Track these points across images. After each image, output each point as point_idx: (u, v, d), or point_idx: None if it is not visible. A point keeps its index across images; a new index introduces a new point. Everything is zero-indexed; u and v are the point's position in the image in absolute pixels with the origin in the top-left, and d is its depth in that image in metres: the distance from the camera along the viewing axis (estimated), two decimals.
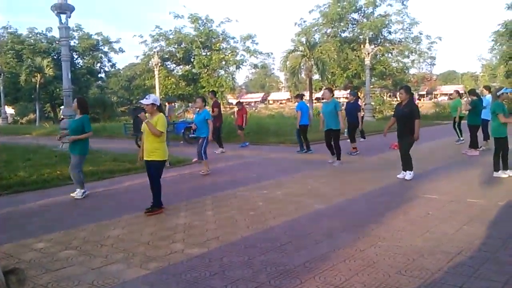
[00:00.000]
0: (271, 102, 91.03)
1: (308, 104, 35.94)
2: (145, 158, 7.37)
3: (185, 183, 10.16)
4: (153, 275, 4.58)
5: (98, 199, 8.65)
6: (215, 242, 5.57)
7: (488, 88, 15.40)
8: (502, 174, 9.42)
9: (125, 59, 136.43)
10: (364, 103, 27.10)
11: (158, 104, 7.38)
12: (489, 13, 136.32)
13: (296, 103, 15.81)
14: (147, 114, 7.26)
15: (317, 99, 69.28)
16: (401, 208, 7.07)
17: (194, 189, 9.31)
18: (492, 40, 38.30)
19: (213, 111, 15.15)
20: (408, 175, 9.46)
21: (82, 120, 8.63)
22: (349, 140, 14.39)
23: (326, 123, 12.04)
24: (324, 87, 14.17)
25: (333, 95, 12.52)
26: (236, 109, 18.75)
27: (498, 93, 9.68)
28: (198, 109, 11.42)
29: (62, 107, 24.19)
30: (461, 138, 15.80)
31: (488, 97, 14.13)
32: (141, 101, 7.48)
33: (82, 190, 8.69)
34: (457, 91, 17.85)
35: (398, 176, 9.60)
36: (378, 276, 4.33)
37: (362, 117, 17.67)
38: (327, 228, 6.07)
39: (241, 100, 22.74)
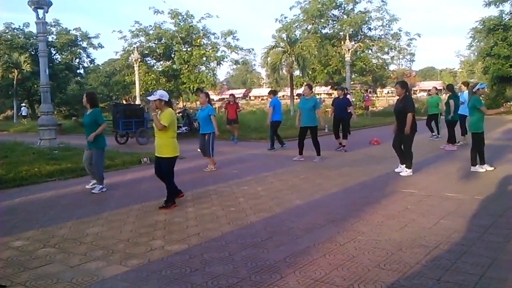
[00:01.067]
0: (252, 98, 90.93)
1: (289, 100, 35.95)
2: (156, 154, 7.38)
3: None
4: (133, 272, 4.56)
5: (76, 196, 8.54)
6: (195, 239, 5.56)
7: (466, 84, 15.64)
8: (479, 168, 9.59)
9: (104, 55, 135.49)
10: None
11: (167, 100, 7.28)
12: (467, 10, 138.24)
13: (270, 99, 15.73)
14: (157, 110, 7.19)
15: (298, 95, 69.60)
16: (380, 202, 7.16)
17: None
18: (470, 37, 38.82)
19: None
20: (404, 171, 9.53)
21: (94, 113, 8.67)
22: (335, 135, 14.22)
23: (303, 120, 11.88)
24: (305, 83, 13.93)
25: (313, 91, 12.42)
26: (227, 102, 18.31)
27: (474, 89, 9.85)
28: (201, 105, 11.35)
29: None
30: (437, 134, 15.97)
31: (465, 93, 14.36)
32: (148, 97, 7.50)
33: (100, 186, 8.71)
34: (436, 88, 18.11)
35: (396, 169, 9.77)
36: (358, 270, 4.38)
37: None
38: (307, 223, 6.11)
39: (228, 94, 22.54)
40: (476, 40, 38.93)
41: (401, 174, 9.47)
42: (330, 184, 8.85)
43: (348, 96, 16.03)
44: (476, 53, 44.28)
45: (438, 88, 20.02)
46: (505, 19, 34.07)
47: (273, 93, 16.02)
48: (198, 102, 14.00)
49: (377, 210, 6.68)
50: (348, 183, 8.90)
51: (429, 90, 32.20)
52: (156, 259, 4.87)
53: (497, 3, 34.14)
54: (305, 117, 11.83)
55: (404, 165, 9.62)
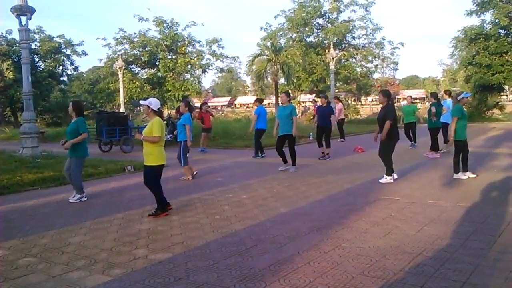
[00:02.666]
0: (237, 106, 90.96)
1: (274, 108, 35.96)
2: (144, 163, 7.32)
3: None
4: (115, 281, 4.50)
5: (59, 205, 8.43)
6: (179, 247, 5.52)
7: (448, 92, 15.84)
8: (461, 176, 9.69)
9: (88, 62, 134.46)
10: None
11: (155, 109, 7.22)
12: (449, 20, 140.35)
13: (255, 107, 15.70)
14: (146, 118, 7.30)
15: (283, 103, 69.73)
16: (364, 210, 7.19)
17: None
18: (452, 46, 39.44)
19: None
20: (384, 179, 9.57)
21: (76, 122, 8.59)
22: (318, 143, 14.06)
23: (282, 128, 11.57)
24: (281, 91, 13.78)
25: (290, 99, 12.21)
26: (202, 111, 17.81)
27: (458, 98, 9.98)
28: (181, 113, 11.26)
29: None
30: (413, 143, 16.12)
31: (448, 101, 14.54)
32: (141, 101, 7.59)
33: (79, 195, 8.58)
34: (411, 96, 18.39)
35: (380, 181, 9.60)
36: (342, 278, 4.38)
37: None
38: (292, 231, 6.10)
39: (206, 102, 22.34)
40: (458, 49, 39.57)
41: (380, 181, 9.53)
42: (315, 191, 8.86)
43: (331, 105, 16.10)
44: (458, 62, 44.97)
45: (414, 96, 20.32)
46: (486, 28, 34.69)
47: (259, 101, 16.07)
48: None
49: (361, 217, 6.70)
50: (333, 190, 8.93)
51: (405, 99, 32.57)
52: (139, 268, 4.82)
53: (479, 13, 34.77)
54: (284, 125, 11.51)
55: (385, 175, 9.64)
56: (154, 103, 7.27)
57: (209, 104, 28.37)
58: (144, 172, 7.34)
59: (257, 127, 14.40)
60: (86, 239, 6.03)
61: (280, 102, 12.11)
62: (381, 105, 10.04)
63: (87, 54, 51.54)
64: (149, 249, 5.48)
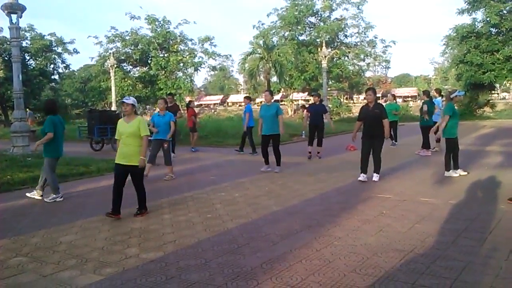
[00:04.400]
0: (230, 104, 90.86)
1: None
2: (122, 163, 7.01)
3: None
4: (107, 281, 4.48)
5: (50, 204, 8.38)
6: (171, 246, 5.50)
7: (439, 91, 15.91)
8: (453, 173, 9.75)
9: (79, 61, 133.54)
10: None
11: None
12: (441, 18, 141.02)
13: (245, 105, 15.57)
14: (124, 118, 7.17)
15: (276, 101, 69.81)
16: (356, 208, 7.21)
17: (150, 192, 9.08)
18: (444, 44, 39.56)
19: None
20: (376, 177, 9.53)
21: (45, 121, 8.47)
22: (309, 141, 13.83)
23: (267, 128, 11.12)
24: (264, 90, 13.45)
25: (273, 98, 11.92)
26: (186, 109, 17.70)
27: (451, 96, 10.01)
28: (160, 112, 10.91)
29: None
30: (395, 142, 16.18)
31: (438, 99, 14.62)
32: (124, 99, 7.25)
33: (54, 195, 8.47)
34: (393, 95, 18.44)
35: (359, 179, 9.50)
36: (334, 276, 4.39)
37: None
38: (284, 229, 6.11)
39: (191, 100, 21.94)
40: (450, 48, 39.72)
41: (374, 180, 9.47)
42: (307, 189, 8.87)
43: (323, 103, 16.08)
44: (449, 60, 45.17)
45: (406, 95, 20.42)
46: (477, 27, 34.86)
47: (248, 99, 16.02)
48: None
49: (353, 215, 6.72)
50: (325, 188, 8.95)
51: (385, 97, 32.58)
52: (131, 267, 4.80)
53: (470, 11, 34.94)
54: (269, 124, 11.10)
55: (376, 173, 9.59)
56: (135, 102, 7.28)
57: (201, 102, 28.15)
58: (123, 173, 7.06)
59: (249, 124, 14.38)
60: (77, 238, 6.00)
61: (264, 100, 11.75)
62: (369, 103, 9.72)
63: (79, 52, 51.24)
64: (141, 248, 5.45)
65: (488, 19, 33.18)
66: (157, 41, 37.62)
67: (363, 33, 41.95)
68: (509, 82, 38.13)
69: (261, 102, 68.96)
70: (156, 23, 37.82)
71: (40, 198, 8.57)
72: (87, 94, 57.05)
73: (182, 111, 15.72)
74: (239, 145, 15.64)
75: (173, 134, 11.14)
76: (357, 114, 10.65)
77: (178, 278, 4.46)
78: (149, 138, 10.17)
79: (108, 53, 36.98)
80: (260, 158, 13.06)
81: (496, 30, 34.53)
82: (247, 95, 17.14)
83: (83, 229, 6.47)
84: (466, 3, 34.71)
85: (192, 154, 15.69)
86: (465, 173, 9.83)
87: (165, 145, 10.68)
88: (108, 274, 4.64)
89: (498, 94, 67.87)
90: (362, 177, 9.49)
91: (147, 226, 6.50)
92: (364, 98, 9.81)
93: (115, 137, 7.22)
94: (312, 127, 13.64)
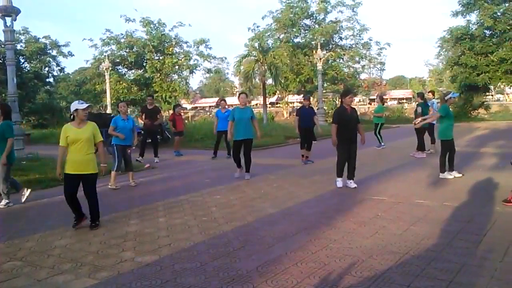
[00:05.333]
0: (226, 107, 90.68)
1: (262, 109, 35.96)
2: (78, 172, 6.53)
3: (137, 189, 9.96)
4: (101, 285, 4.46)
5: (45, 207, 8.36)
6: (166, 249, 5.49)
7: (433, 92, 15.97)
8: (448, 175, 9.77)
9: (74, 63, 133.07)
10: (317, 108, 27.57)
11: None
12: (435, 20, 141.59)
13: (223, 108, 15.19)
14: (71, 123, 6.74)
15: (271, 103, 69.84)
16: (352, 210, 7.21)
17: (146, 195, 9.15)
18: (438, 46, 39.71)
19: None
20: (353, 183, 9.13)
21: (1, 126, 8.20)
22: (301, 145, 13.64)
23: (241, 132, 10.50)
24: (238, 91, 12.93)
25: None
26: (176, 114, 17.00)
27: (446, 97, 10.04)
28: (123, 115, 10.35)
29: None
30: (382, 144, 16.21)
31: (434, 100, 14.67)
32: (81, 104, 6.74)
33: (6, 201, 8.36)
34: (381, 97, 18.48)
35: (339, 185, 9.14)
36: (329, 278, 4.39)
37: None
38: (280, 231, 6.10)
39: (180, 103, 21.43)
40: (444, 50, 39.89)
41: (352, 186, 9.04)
42: (302, 192, 8.87)
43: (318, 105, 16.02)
44: (444, 62, 45.33)
45: (401, 97, 20.45)
46: (471, 29, 35.03)
47: (225, 101, 15.94)
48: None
49: (348, 218, 6.72)
50: (320, 190, 8.95)
51: (372, 100, 32.44)
52: (126, 271, 4.78)
53: (464, 13, 35.10)
54: (244, 128, 10.51)
55: (353, 179, 9.18)
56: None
57: (196, 105, 28.06)
58: (75, 183, 6.61)
59: (223, 128, 13.83)
60: (72, 242, 5.97)
61: (239, 103, 10.97)
62: (348, 106, 9.23)
63: (73, 55, 51.07)
64: (136, 252, 5.44)
65: (482, 21, 33.35)
66: (152, 43, 37.54)
67: (358, 35, 42.01)
68: (503, 84, 38.23)
69: (256, 104, 68.96)
70: (151, 25, 37.74)
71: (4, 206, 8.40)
72: (82, 97, 56.72)
73: (162, 114, 15.36)
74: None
75: (155, 137, 10.80)
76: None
77: (174, 281, 4.45)
78: (114, 144, 9.99)
79: (103, 56, 36.86)
80: (255, 161, 12.99)
81: (490, 32, 34.70)
82: (222, 97, 16.63)
83: (77, 233, 6.44)
84: (460, 5, 34.88)
85: (186, 157, 15.66)
86: (460, 175, 9.85)
87: (129, 151, 10.35)
88: (103, 278, 4.62)
89: (492, 96, 68.18)
90: (340, 182, 9.16)
91: (142, 229, 6.48)
92: (344, 101, 9.27)
93: (60, 144, 6.60)
94: (303, 130, 13.36)
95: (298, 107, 13.81)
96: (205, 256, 5.16)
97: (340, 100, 10.24)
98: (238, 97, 11.30)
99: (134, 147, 10.75)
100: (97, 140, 6.79)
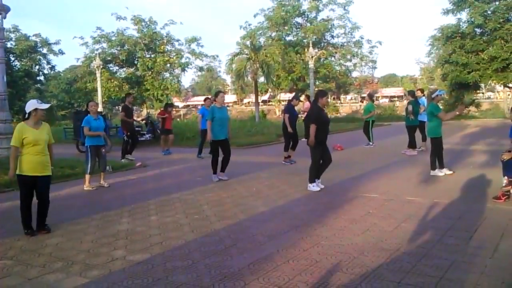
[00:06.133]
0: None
1: (254, 107, 35.89)
2: (37, 174, 6.31)
3: (129, 188, 9.93)
4: (93, 283, 4.45)
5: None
6: (158, 248, 5.48)
7: (422, 90, 16.03)
8: (438, 172, 9.83)
9: (65, 62, 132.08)
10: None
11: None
12: (427, 19, 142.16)
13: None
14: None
15: (264, 101, 69.86)
16: (343, 207, 7.24)
17: (138, 194, 9.12)
18: (429, 44, 39.74)
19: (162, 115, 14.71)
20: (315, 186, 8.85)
21: None
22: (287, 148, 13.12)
23: (223, 132, 10.19)
24: (216, 90, 12.39)
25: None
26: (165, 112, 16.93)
27: (432, 96, 10.12)
28: (94, 114, 9.96)
29: None
30: (371, 143, 16.19)
31: (423, 98, 14.74)
32: (39, 105, 6.41)
33: None
34: (371, 95, 18.53)
35: (318, 188, 8.77)
36: (321, 275, 4.41)
37: None
38: (272, 229, 6.11)
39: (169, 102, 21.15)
40: (435, 48, 39.96)
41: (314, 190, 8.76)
42: (294, 190, 8.89)
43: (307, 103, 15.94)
44: (435, 60, 45.46)
45: (392, 95, 20.47)
46: (462, 27, 35.14)
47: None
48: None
49: (340, 215, 6.75)
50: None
51: (363, 98, 32.37)
52: (117, 270, 4.77)
53: (455, 12, 35.21)
54: (222, 129, 10.19)
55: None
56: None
57: (188, 103, 27.97)
58: (34, 186, 6.39)
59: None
60: (63, 241, 5.95)
61: (218, 102, 10.56)
62: (324, 107, 9.11)
63: (64, 53, 50.73)
64: (128, 250, 5.42)
65: (472, 19, 33.47)
66: (143, 41, 37.39)
67: (349, 33, 42.12)
68: (493, 81, 38.41)
69: (248, 103, 68.92)
70: (143, 23, 37.57)
71: None
72: (73, 95, 56.59)
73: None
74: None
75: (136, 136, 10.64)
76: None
77: (165, 279, 4.44)
78: (88, 146, 9.64)
79: (94, 54, 36.59)
80: (247, 159, 13.04)
81: (481, 30, 34.83)
82: (207, 96, 16.36)
83: (68, 231, 6.41)
84: (451, 3, 34.99)
85: (178, 155, 15.61)
86: (451, 172, 9.92)
87: (103, 150, 10.11)
88: (94, 276, 4.61)
89: (483, 93, 68.58)
90: (317, 186, 8.80)
91: (133, 227, 6.46)
92: (320, 101, 8.75)
93: (15, 145, 6.26)
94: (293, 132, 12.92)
95: (289, 105, 13.47)
96: (196, 254, 5.16)
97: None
98: (217, 95, 10.70)
99: (108, 152, 10.42)
100: (51, 142, 6.61)
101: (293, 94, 17.83)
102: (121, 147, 14.33)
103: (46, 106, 6.58)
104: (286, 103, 13.40)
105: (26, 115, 6.40)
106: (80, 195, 9.20)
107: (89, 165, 9.73)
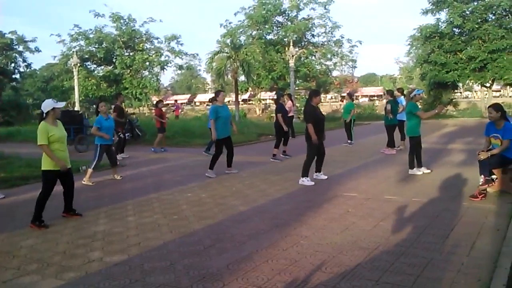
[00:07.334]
0: (197, 103, 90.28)
1: (234, 106, 35.92)
2: (68, 167, 6.90)
3: (106, 188, 9.79)
4: (68, 285, 4.37)
5: (10, 207, 8.14)
6: (135, 249, 5.41)
7: (401, 90, 16.17)
8: (416, 171, 9.93)
9: (42, 60, 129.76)
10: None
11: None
12: (406, 19, 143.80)
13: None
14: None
15: (244, 100, 69.84)
16: (322, 206, 7.25)
17: (115, 194, 9.01)
18: (409, 44, 40.20)
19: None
20: (323, 175, 9.72)
21: None
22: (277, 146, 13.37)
23: (226, 130, 10.52)
24: (215, 89, 12.59)
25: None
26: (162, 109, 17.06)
27: (411, 95, 10.21)
28: (104, 115, 10.28)
29: None
30: (351, 141, 16.26)
31: (402, 98, 14.87)
32: (56, 104, 6.71)
33: None
34: (350, 94, 18.67)
35: (311, 183, 9.21)
36: (300, 274, 4.40)
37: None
38: (251, 229, 6.09)
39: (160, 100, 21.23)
40: (414, 48, 40.42)
41: (325, 178, 9.67)
42: (274, 189, 8.88)
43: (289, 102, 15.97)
44: (414, 60, 45.99)
45: (372, 94, 20.59)
46: (441, 27, 35.61)
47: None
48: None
49: (319, 214, 6.76)
50: (292, 188, 8.97)
51: (342, 97, 32.44)
52: (94, 272, 4.70)
53: (434, 12, 35.68)
54: (227, 126, 10.56)
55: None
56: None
57: (167, 101, 27.76)
58: (71, 175, 7.15)
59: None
60: (38, 242, 5.83)
61: (219, 101, 10.87)
62: (316, 105, 9.55)
63: (41, 51, 50.07)
64: (104, 251, 5.34)
65: (451, 19, 33.94)
66: (122, 39, 37.05)
67: (330, 32, 42.30)
68: (471, 81, 39.01)
69: (228, 101, 68.63)
70: (121, 21, 37.22)
71: None
72: (49, 94, 55.57)
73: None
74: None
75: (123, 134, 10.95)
76: (324, 113, 10.54)
77: (143, 281, 4.39)
78: (99, 144, 10.07)
79: (71, 52, 36.15)
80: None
81: (459, 30, 35.35)
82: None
83: (44, 232, 6.30)
84: (430, 3, 35.43)
85: (159, 154, 15.48)
86: (428, 171, 10.03)
87: (113, 147, 10.68)
88: (70, 278, 4.53)
89: (461, 93, 69.69)
90: (310, 180, 9.25)
91: (110, 228, 6.37)
92: (314, 100, 9.26)
93: (44, 143, 6.54)
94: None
95: (280, 104, 13.52)
96: (175, 255, 5.11)
97: (307, 98, 10.18)
98: (218, 95, 10.98)
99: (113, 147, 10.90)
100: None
101: (274, 92, 17.86)
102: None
103: (62, 104, 6.98)
104: (274, 103, 13.53)
105: (44, 115, 6.67)
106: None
107: (95, 162, 10.14)
